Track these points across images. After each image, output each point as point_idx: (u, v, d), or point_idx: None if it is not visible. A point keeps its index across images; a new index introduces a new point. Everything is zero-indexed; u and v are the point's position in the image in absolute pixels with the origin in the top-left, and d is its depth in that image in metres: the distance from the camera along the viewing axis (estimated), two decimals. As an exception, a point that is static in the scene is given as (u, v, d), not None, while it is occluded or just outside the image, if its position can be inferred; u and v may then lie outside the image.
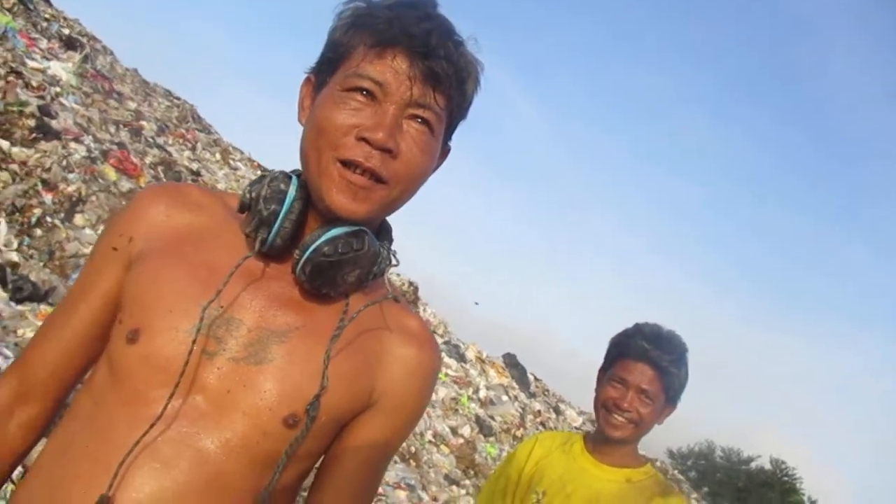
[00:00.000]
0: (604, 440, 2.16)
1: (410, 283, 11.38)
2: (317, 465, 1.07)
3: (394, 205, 1.04)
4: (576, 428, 12.33)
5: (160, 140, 9.14)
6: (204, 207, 1.08)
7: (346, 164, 0.97)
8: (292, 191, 1.01)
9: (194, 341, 0.93)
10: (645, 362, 2.09)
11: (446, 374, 10.17)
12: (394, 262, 1.09)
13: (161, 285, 0.99)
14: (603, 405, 2.14)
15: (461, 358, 11.09)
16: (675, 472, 18.76)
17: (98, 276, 1.06)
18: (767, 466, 33.08)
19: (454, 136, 1.12)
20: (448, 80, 1.00)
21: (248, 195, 1.02)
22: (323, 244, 0.97)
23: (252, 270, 1.02)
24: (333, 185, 0.98)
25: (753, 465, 33.42)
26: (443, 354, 10.66)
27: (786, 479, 32.55)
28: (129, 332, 0.96)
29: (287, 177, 1.03)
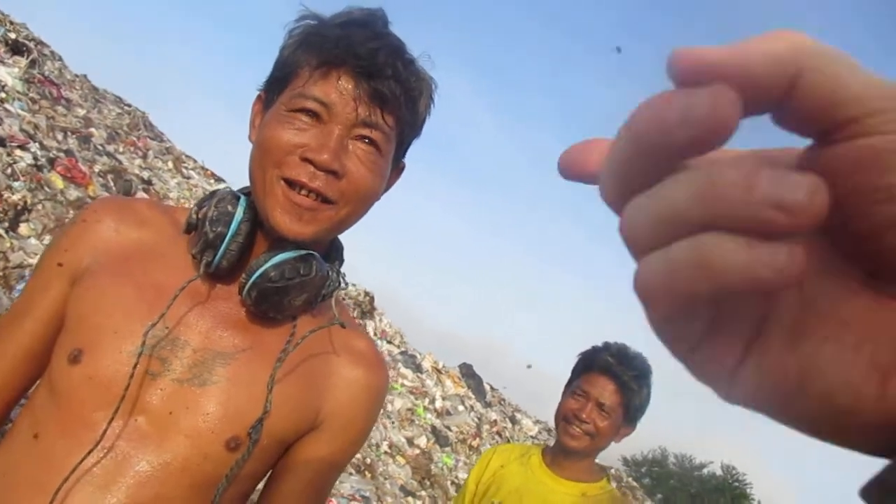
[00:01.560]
0: (562, 453, 2.20)
1: (366, 293, 11.32)
2: (261, 485, 1.07)
3: (342, 224, 1.03)
4: (532, 437, 12.39)
5: (110, 148, 8.94)
6: (152, 223, 1.07)
7: (290, 183, 0.96)
8: (239, 212, 1.00)
9: (136, 362, 0.92)
10: (607, 376, 2.14)
11: (402, 385, 10.13)
12: (342, 284, 1.08)
13: (107, 305, 0.97)
14: (563, 416, 2.18)
15: (417, 368, 11.06)
16: (630, 479, 18.96)
17: (43, 292, 1.04)
18: (719, 472, 33.69)
19: (409, 153, 1.11)
20: (395, 99, 0.99)
21: (194, 215, 1.01)
22: (269, 269, 0.97)
23: (199, 290, 1.02)
24: (278, 206, 0.97)
25: (705, 471, 33.94)
26: (399, 364, 10.63)
27: (736, 484, 33.15)
28: (71, 352, 0.95)
29: (235, 197, 1.02)
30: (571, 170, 0.31)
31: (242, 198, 1.02)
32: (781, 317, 0.29)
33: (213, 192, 1.04)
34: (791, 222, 0.23)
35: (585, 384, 2.16)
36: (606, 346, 2.23)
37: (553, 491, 2.16)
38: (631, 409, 2.16)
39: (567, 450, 2.16)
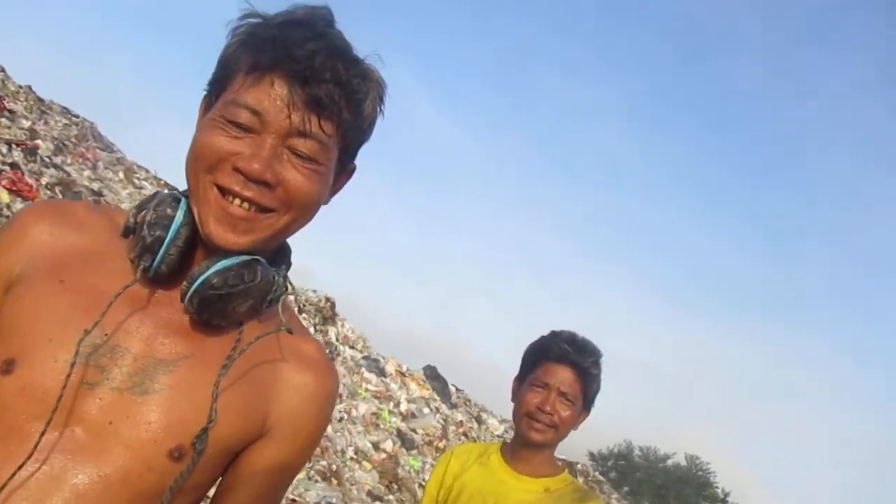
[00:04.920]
0: (523, 446, 2.19)
1: (327, 299, 11.24)
2: (209, 494, 1.04)
3: (284, 232, 1.00)
4: (498, 436, 12.42)
5: (57, 159, 8.74)
6: (90, 226, 1.02)
7: (223, 190, 0.94)
8: (179, 216, 0.96)
9: (70, 372, 0.88)
10: (566, 364, 2.13)
11: (366, 389, 10.09)
12: (289, 289, 1.05)
13: (40, 312, 0.94)
14: (526, 412, 2.15)
15: (381, 372, 11.02)
16: (597, 473, 19.16)
17: None
18: (683, 463, 34.25)
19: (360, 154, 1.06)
20: (334, 104, 0.94)
21: (132, 218, 0.98)
22: (212, 276, 0.93)
23: (140, 295, 0.98)
24: (211, 214, 0.94)
25: (670, 462, 34.45)
26: (362, 369, 10.57)
27: (700, 473, 33.75)
28: (3, 363, 0.91)
29: (175, 200, 0.98)
30: None
31: (183, 200, 0.98)
32: None
33: (154, 194, 1.00)
34: None
35: (544, 375, 2.15)
36: (556, 334, 2.22)
37: (516, 489, 2.15)
38: (589, 395, 2.18)
39: (532, 443, 2.15)
